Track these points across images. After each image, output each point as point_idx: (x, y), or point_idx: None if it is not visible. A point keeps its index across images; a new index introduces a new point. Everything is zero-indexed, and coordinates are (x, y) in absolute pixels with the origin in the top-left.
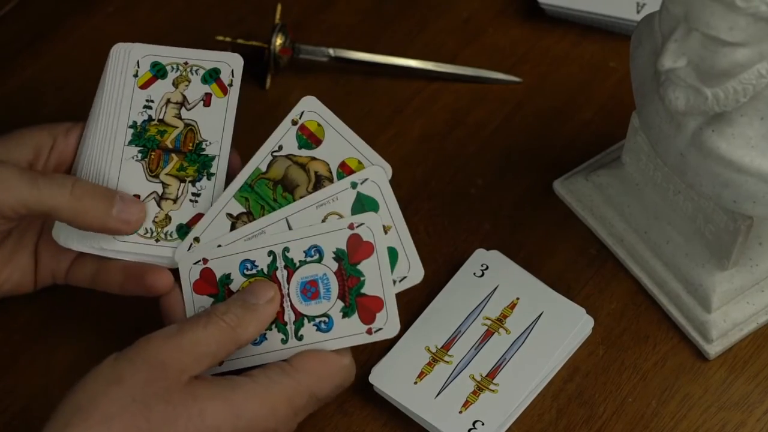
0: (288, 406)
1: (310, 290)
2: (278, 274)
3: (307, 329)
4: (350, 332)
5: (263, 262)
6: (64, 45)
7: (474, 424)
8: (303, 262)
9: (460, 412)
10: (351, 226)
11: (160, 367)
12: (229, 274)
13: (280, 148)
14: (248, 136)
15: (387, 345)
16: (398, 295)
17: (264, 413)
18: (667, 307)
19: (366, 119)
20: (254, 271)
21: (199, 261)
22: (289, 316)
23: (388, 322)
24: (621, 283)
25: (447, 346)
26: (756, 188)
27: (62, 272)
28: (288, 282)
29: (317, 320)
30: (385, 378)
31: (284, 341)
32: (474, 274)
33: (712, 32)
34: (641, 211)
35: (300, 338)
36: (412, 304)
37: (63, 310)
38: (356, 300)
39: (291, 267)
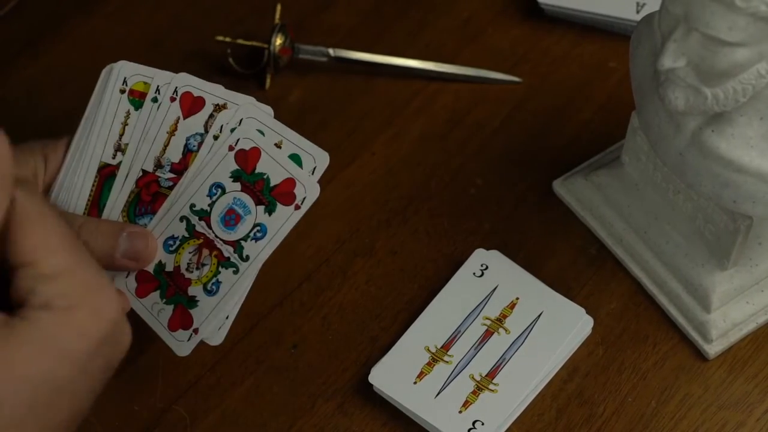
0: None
1: (231, 218)
2: (198, 228)
3: (248, 247)
4: (283, 220)
5: (181, 230)
6: (64, 45)
7: (474, 423)
8: (212, 204)
9: (460, 411)
10: (231, 148)
11: None
12: (160, 261)
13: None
14: None
15: (387, 345)
16: (396, 295)
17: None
18: (667, 307)
19: (366, 119)
20: (178, 243)
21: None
22: (228, 251)
23: (307, 189)
24: (621, 283)
25: (447, 346)
26: (755, 188)
27: None
28: (210, 227)
29: (251, 234)
30: (384, 378)
31: (236, 272)
32: (474, 274)
33: (712, 32)
34: (641, 211)
35: (246, 258)
36: (412, 303)
37: None
38: (272, 195)
39: (205, 215)
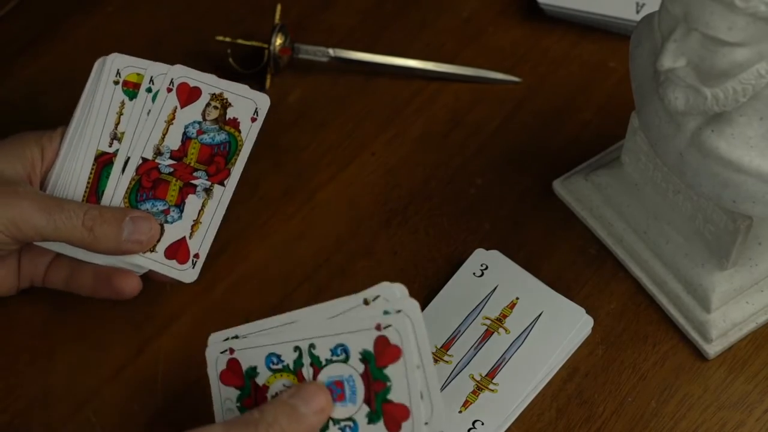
0: None
1: (336, 391)
2: (304, 371)
3: None
4: None
5: (289, 358)
6: (64, 45)
7: (474, 423)
8: (329, 361)
9: (460, 411)
10: (378, 327)
11: None
12: (255, 367)
13: None
14: None
15: None
16: None
17: None
18: (667, 307)
19: (366, 119)
20: (280, 366)
21: (226, 351)
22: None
23: (414, 430)
24: (620, 283)
25: (447, 346)
26: (755, 188)
27: (40, 275)
28: (314, 380)
29: (342, 424)
30: None
31: None
32: (474, 273)
33: (712, 32)
34: (641, 211)
35: None
36: None
37: (63, 310)
38: (382, 406)
39: (317, 365)
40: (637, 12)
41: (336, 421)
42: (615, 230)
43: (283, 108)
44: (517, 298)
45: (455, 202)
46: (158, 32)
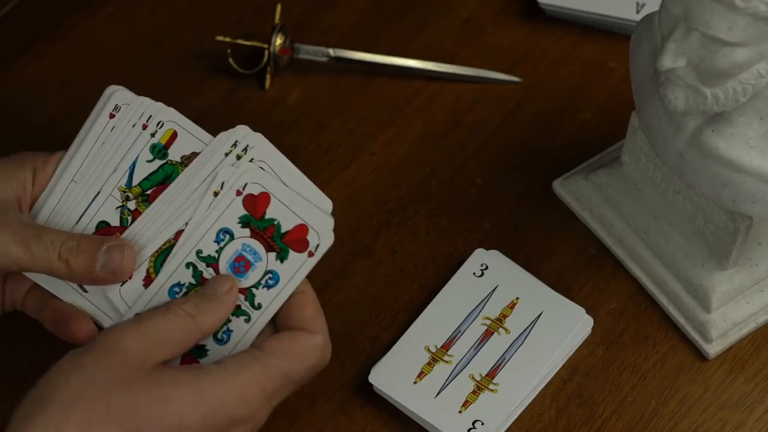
0: (260, 391)
1: (241, 265)
2: (205, 275)
3: (260, 294)
4: (296, 267)
5: (187, 277)
6: (64, 45)
7: (474, 423)
8: (220, 250)
9: (460, 411)
10: (238, 193)
11: (121, 353)
12: None
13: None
14: None
15: (387, 345)
16: (396, 295)
17: (233, 399)
18: (667, 307)
19: (366, 119)
20: (185, 290)
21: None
22: (239, 299)
23: (320, 234)
24: (620, 283)
25: (447, 346)
26: (755, 188)
27: (19, 299)
28: (219, 274)
29: (263, 281)
30: (384, 378)
31: (247, 320)
32: (474, 273)
33: (712, 32)
34: (641, 211)
35: (258, 306)
36: (412, 304)
37: None
38: (283, 242)
39: (213, 261)
40: (637, 12)
41: (257, 284)
42: (615, 230)
43: (283, 108)
44: (517, 298)
45: (455, 202)
46: (158, 32)
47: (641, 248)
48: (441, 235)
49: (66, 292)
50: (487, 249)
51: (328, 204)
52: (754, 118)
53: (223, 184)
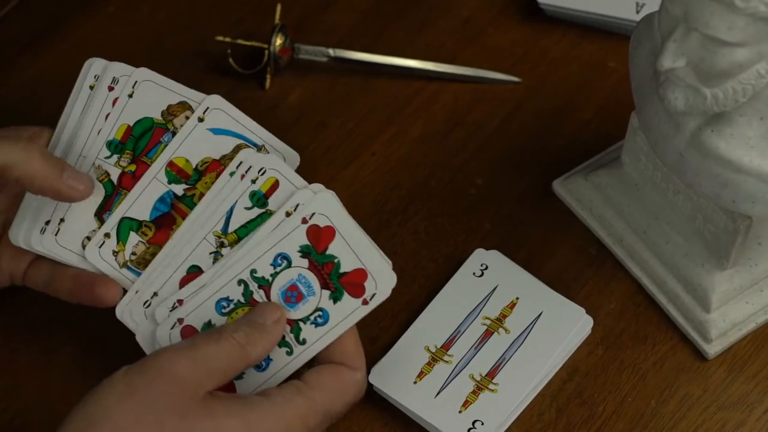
0: (303, 425)
1: (293, 295)
2: (255, 297)
3: (306, 330)
4: (348, 312)
5: (237, 294)
6: (64, 45)
7: (474, 423)
8: (275, 275)
9: (460, 411)
10: (304, 220)
11: (175, 380)
12: (209, 321)
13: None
14: None
15: (387, 345)
16: (396, 295)
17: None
18: (667, 306)
19: (366, 119)
20: (232, 306)
21: (175, 324)
22: (285, 329)
23: (378, 284)
24: (620, 283)
25: (446, 346)
26: (755, 188)
27: (19, 274)
28: (269, 299)
29: (312, 317)
30: (384, 378)
31: (289, 353)
32: (473, 273)
33: (711, 32)
34: (640, 211)
35: (303, 342)
36: (412, 303)
37: (63, 310)
38: (339, 282)
39: (265, 284)
40: (637, 12)
41: (306, 319)
42: (615, 230)
43: (283, 108)
44: (517, 298)
45: (455, 202)
46: (158, 32)
47: (641, 248)
48: (441, 235)
49: (78, 260)
50: (487, 249)
51: (388, 261)
52: (754, 118)
53: (297, 206)
